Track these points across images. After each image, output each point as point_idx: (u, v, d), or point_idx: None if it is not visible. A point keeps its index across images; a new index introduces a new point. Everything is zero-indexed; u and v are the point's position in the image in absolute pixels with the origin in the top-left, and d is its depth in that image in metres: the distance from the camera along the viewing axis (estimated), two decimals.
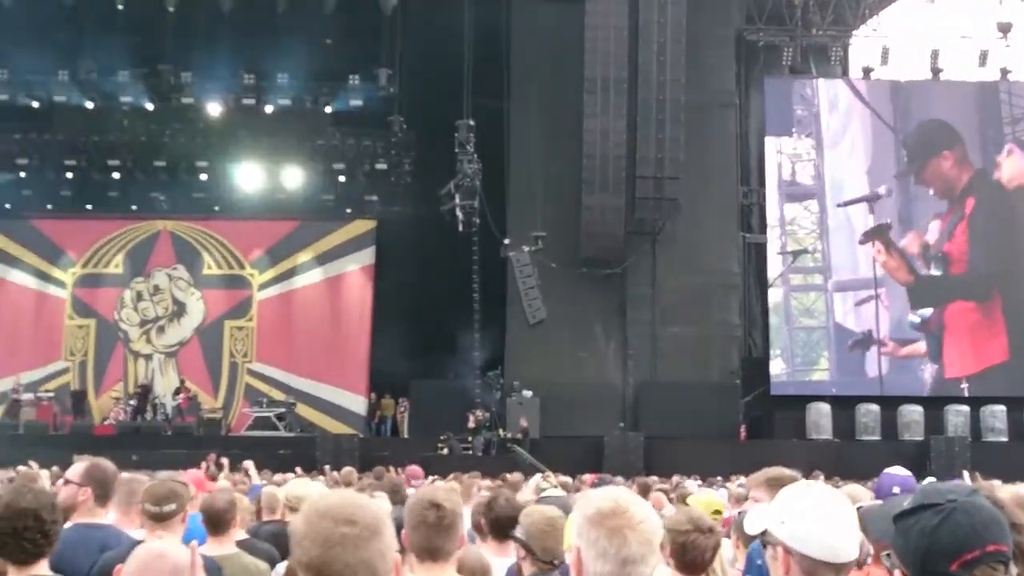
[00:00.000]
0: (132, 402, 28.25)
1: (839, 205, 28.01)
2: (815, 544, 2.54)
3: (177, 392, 28.81)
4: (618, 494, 2.72)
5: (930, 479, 9.31)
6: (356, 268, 31.21)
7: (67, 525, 5.27)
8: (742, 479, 15.00)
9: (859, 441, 25.66)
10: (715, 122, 27.29)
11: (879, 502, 4.34)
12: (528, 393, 25.60)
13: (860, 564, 3.34)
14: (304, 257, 31.33)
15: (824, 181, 28.42)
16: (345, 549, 2.08)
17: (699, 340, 26.58)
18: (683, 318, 26.54)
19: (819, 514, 2.58)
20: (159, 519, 4.79)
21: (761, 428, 27.03)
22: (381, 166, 29.61)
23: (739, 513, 6.57)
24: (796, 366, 28.33)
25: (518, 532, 4.08)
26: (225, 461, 14.32)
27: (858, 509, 2.99)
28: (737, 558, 5.65)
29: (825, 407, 26.18)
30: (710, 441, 24.28)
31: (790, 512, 2.61)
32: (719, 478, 16.17)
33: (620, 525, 2.61)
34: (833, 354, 27.91)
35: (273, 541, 6.15)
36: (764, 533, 2.67)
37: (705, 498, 7.08)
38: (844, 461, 22.02)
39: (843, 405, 26.28)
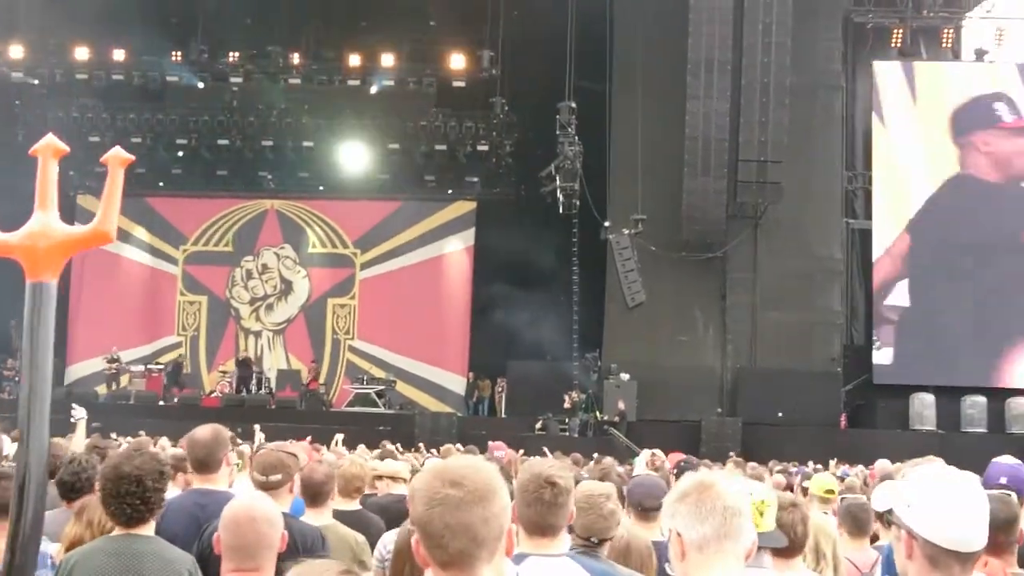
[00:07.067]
0: (229, 376, 28.94)
1: None
2: (940, 531, 2.45)
3: (307, 378, 29.51)
4: (698, 475, 2.82)
5: None
6: (456, 249, 31.47)
7: (183, 491, 5.52)
8: (845, 467, 14.87)
9: (964, 433, 25.06)
10: (820, 105, 26.81)
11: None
12: (625, 376, 25.56)
13: None
14: (405, 237, 31.69)
15: None
16: (446, 509, 2.11)
17: (800, 326, 26.23)
18: (784, 304, 26.21)
19: (947, 500, 2.48)
20: (265, 488, 4.88)
21: (862, 417, 26.57)
22: (483, 147, 29.81)
23: (842, 499, 6.50)
24: None
25: None
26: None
27: None
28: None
29: (929, 397, 25.61)
30: (809, 428, 23.94)
31: (918, 495, 2.52)
32: (819, 466, 16.01)
33: (707, 489, 2.70)
34: None
35: (381, 513, 6.33)
36: (890, 512, 2.60)
37: (821, 479, 7.04)
38: (948, 453, 21.44)
39: (948, 396, 25.68)
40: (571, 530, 3.96)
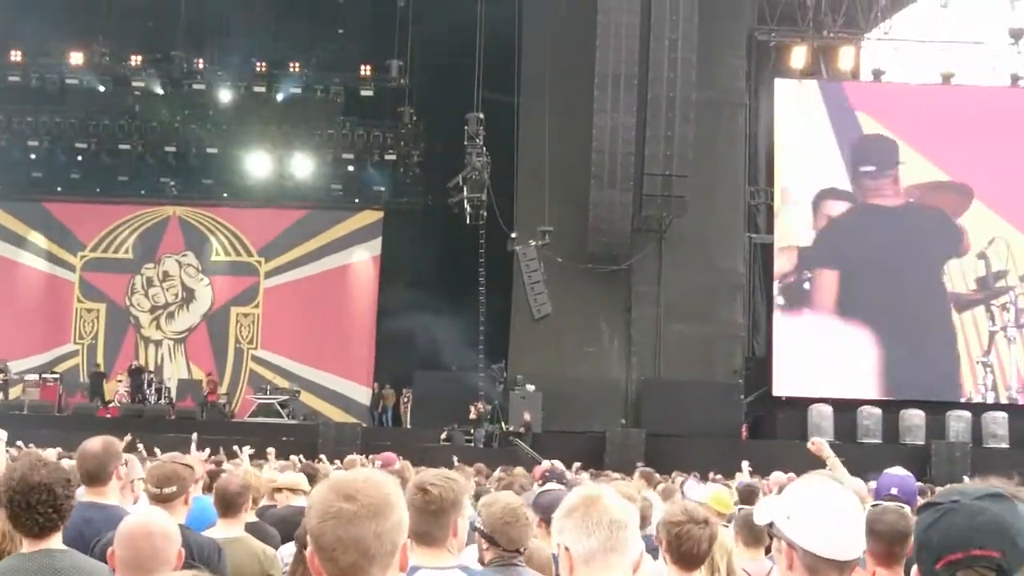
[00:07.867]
0: (126, 386, 28.30)
1: None
2: (818, 541, 2.53)
3: (205, 389, 28.92)
4: (583, 490, 2.89)
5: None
6: (362, 258, 31.29)
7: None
8: (742, 478, 15.06)
9: (860, 444, 25.64)
10: (724, 121, 27.25)
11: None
12: (531, 387, 25.60)
13: None
14: (311, 246, 31.40)
15: None
16: (338, 523, 2.12)
17: (703, 339, 26.59)
18: (687, 316, 26.53)
19: (824, 511, 2.57)
20: (160, 500, 4.82)
21: (763, 428, 27.05)
22: (390, 157, 29.73)
23: (740, 510, 6.57)
24: None
25: (478, 523, 4.10)
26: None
27: None
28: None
29: (827, 409, 26.17)
30: (711, 439, 24.24)
31: (796, 507, 2.60)
32: (720, 476, 16.23)
33: (593, 503, 2.75)
34: None
35: (280, 524, 6.26)
36: (771, 525, 2.67)
37: (714, 492, 7.07)
38: (844, 463, 21.97)
39: (845, 408, 26.28)
40: (495, 543, 3.94)
